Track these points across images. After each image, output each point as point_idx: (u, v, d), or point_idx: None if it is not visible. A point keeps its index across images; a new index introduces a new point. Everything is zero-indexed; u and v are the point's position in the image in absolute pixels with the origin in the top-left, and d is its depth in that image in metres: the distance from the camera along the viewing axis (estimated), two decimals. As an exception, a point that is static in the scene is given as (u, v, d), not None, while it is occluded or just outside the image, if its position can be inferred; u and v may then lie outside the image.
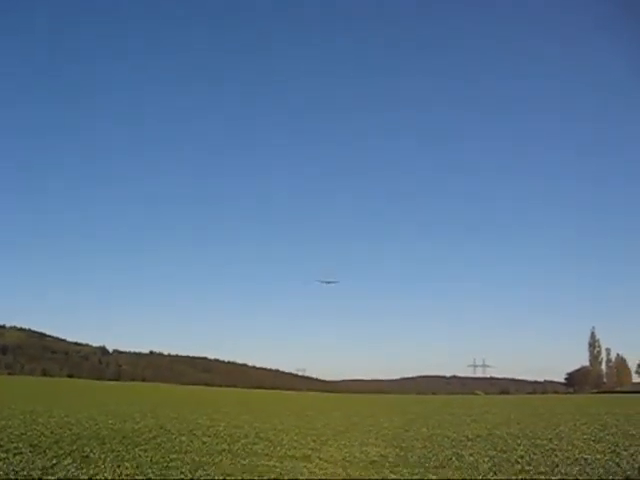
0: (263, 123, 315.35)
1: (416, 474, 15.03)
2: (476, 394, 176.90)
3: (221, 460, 16.60)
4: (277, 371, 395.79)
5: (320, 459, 17.52)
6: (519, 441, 23.16)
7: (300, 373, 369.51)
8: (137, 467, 14.63)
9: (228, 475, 14.01)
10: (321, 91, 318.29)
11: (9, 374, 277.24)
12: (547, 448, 20.83)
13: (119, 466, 14.69)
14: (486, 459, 18.00)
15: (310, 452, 19.10)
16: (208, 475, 13.92)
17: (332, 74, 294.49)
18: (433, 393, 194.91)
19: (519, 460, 17.70)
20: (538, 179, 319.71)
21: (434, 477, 14.56)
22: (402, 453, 19.35)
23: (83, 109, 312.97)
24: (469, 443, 22.57)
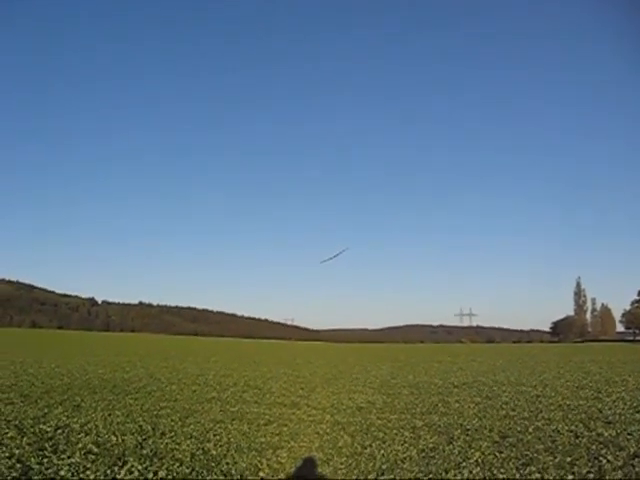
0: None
1: (403, 420, 15.26)
2: (462, 343, 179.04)
3: (211, 408, 16.79)
4: (266, 320, 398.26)
5: (308, 406, 17.74)
6: (504, 388, 23.52)
7: (289, 322, 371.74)
8: (128, 415, 14.78)
9: (218, 422, 14.18)
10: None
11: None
12: (531, 395, 21.16)
13: (110, 414, 14.82)
14: (472, 405, 18.28)
15: (298, 399, 19.34)
16: (198, 422, 14.08)
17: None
18: (420, 342, 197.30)
19: (504, 406, 17.99)
20: (526, 127, 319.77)
21: (421, 422, 14.79)
22: (389, 400, 19.62)
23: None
24: (455, 390, 22.89)
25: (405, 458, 10.65)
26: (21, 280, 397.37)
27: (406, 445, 11.88)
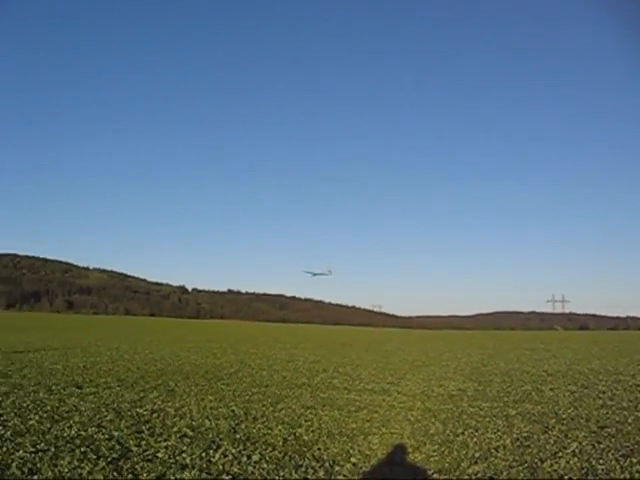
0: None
1: (495, 408, 14.97)
2: (555, 329, 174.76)
3: (301, 393, 16.90)
4: (354, 307, 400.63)
5: (399, 392, 17.64)
6: (600, 377, 22.80)
7: (376, 309, 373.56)
8: (220, 400, 15.02)
9: (308, 408, 14.25)
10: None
11: (94, 313, 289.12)
12: (630, 384, 20.44)
13: (203, 399, 15.10)
14: (567, 394, 17.79)
15: (388, 386, 19.26)
16: (289, 407, 14.19)
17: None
18: (511, 329, 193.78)
19: (600, 395, 17.42)
20: None
21: (514, 411, 14.48)
22: (480, 387, 19.31)
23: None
24: (549, 378, 22.34)
25: (498, 447, 10.43)
26: (115, 269, 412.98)
27: (499, 433, 11.64)
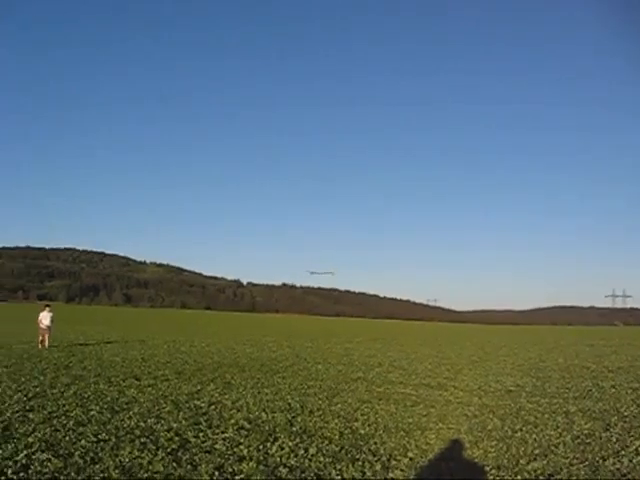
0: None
1: (555, 404, 14.72)
2: (615, 325, 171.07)
3: (357, 387, 16.88)
4: (408, 302, 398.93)
5: (455, 388, 17.49)
6: (665, 373, 22.25)
7: (431, 303, 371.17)
8: (276, 393, 15.10)
9: (364, 402, 14.22)
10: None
11: (151, 307, 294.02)
12: (696, 381, 19.89)
13: (259, 392, 15.21)
14: (629, 391, 17.41)
15: (445, 381, 19.11)
16: (345, 401, 14.18)
17: None
18: (569, 324, 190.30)
19: (664, 393, 16.99)
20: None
21: (574, 407, 14.20)
22: (539, 383, 19.02)
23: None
24: (610, 374, 21.90)
25: (559, 444, 10.23)
26: (171, 263, 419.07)
27: (559, 430, 11.43)
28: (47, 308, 29.27)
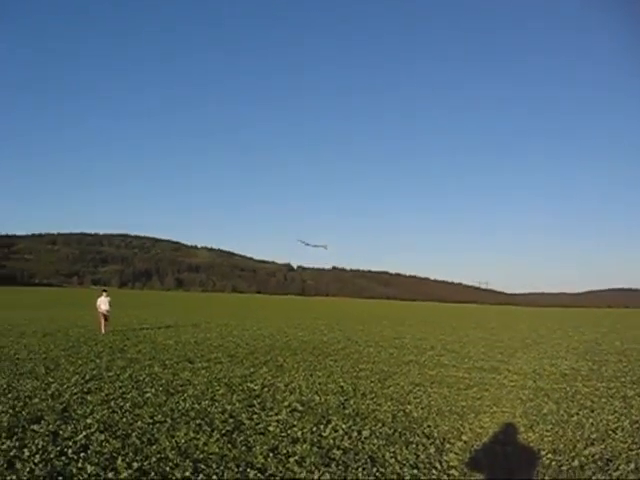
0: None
1: (612, 388, 14.45)
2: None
3: (409, 370, 16.81)
4: (459, 284, 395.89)
5: (509, 371, 17.29)
6: None
7: (482, 286, 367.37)
8: (329, 376, 15.13)
9: (417, 385, 14.16)
10: None
11: (202, 291, 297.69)
12: None
13: (311, 375, 15.25)
14: (689, 375, 17.00)
15: (498, 364, 18.91)
16: (397, 384, 14.13)
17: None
18: (625, 307, 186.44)
19: None
20: None
21: (632, 392, 13.92)
22: (595, 367, 18.70)
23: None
24: (671, 358, 21.41)
25: (616, 428, 10.03)
26: (222, 248, 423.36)
27: (617, 415, 11.21)
28: (104, 293, 29.28)
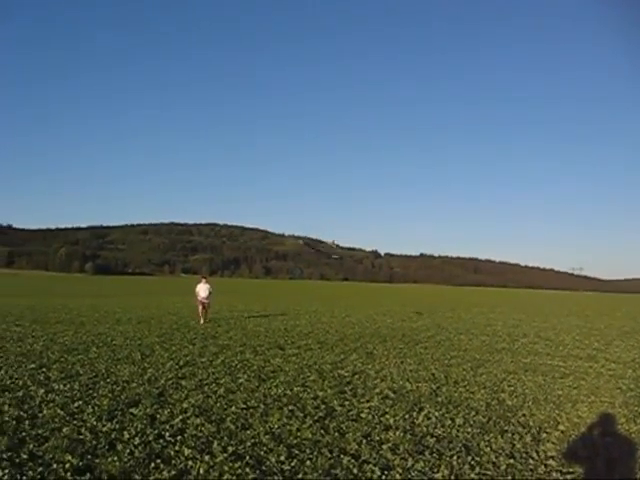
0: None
1: None
2: None
3: (502, 358, 16.51)
4: (551, 270, 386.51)
5: (607, 359, 16.76)
6: None
7: (576, 272, 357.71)
8: (419, 363, 15.00)
9: (510, 373, 13.88)
10: None
11: (290, 278, 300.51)
12: None
13: (402, 362, 15.15)
14: None
15: (595, 352, 18.36)
16: (490, 372, 13.90)
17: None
18: None
19: None
20: None
21: None
22: (702, 356, 17.91)
23: None
24: None
25: None
26: (309, 235, 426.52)
27: None
28: (203, 280, 27.45)
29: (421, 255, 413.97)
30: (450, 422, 8.87)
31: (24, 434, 7.50)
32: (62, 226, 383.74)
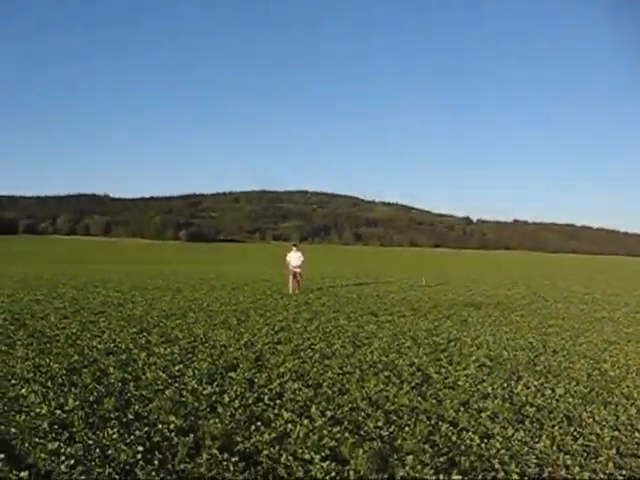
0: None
1: None
2: None
3: (602, 327, 16.03)
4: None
5: None
6: None
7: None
8: (516, 332, 14.72)
9: (611, 343, 13.47)
10: None
11: (380, 245, 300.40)
12: None
13: (498, 330, 14.90)
14: None
15: None
16: (590, 342, 13.52)
17: None
18: None
19: None
20: None
21: None
22: None
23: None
24: None
25: None
26: (400, 202, 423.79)
27: None
28: (294, 248, 26.06)
29: (515, 221, 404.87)
30: (550, 392, 8.67)
31: (129, 395, 7.76)
32: (156, 195, 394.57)
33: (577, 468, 5.78)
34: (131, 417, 6.82)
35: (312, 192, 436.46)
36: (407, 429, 6.71)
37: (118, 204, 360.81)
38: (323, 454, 5.85)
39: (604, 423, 7.29)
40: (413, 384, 8.77)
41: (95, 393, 7.73)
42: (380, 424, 6.85)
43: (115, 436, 6.17)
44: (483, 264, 77.10)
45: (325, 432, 6.49)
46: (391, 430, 6.68)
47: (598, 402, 8.23)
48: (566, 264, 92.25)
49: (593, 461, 6.00)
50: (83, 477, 5.17)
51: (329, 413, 7.19)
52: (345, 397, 7.98)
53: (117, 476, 5.22)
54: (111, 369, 9.12)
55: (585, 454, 6.19)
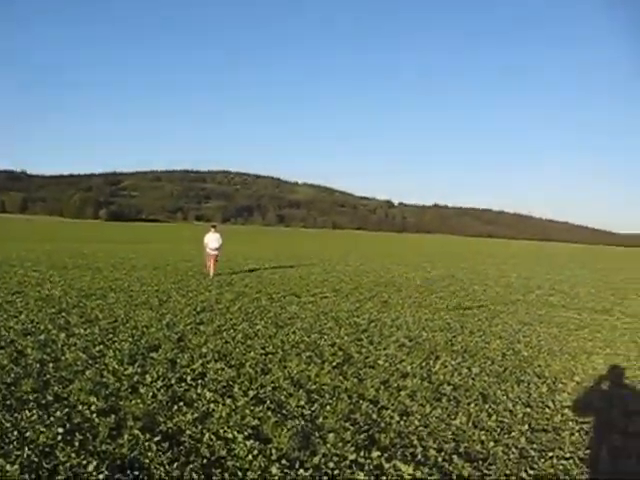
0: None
1: None
2: None
3: (516, 310, 16.58)
4: (566, 223, 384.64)
5: (622, 313, 16.82)
6: None
7: (590, 225, 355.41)
8: (434, 313, 15.09)
9: (525, 324, 13.96)
10: None
11: (303, 227, 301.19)
12: None
13: (417, 311, 15.25)
14: None
15: (610, 306, 18.42)
16: (505, 323, 13.98)
17: None
18: None
19: None
20: None
21: None
22: None
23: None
24: None
25: None
26: (322, 184, 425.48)
27: None
28: (212, 229, 24.40)
29: (435, 205, 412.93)
30: (466, 371, 8.95)
31: (48, 376, 7.60)
32: (76, 172, 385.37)
33: (492, 443, 6.02)
34: (50, 399, 6.69)
35: (235, 172, 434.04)
36: (328, 408, 6.83)
37: (35, 180, 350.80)
38: (246, 433, 5.91)
39: (517, 400, 7.59)
40: (334, 364, 8.90)
41: (12, 375, 7.53)
42: (302, 403, 6.95)
43: (34, 418, 6.05)
44: (404, 247, 78.29)
45: (248, 411, 6.55)
46: (313, 409, 6.78)
47: (512, 380, 8.55)
48: (483, 248, 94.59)
49: (507, 436, 6.26)
50: (1, 460, 5.07)
51: (251, 393, 7.24)
52: (267, 377, 8.04)
53: (36, 458, 5.13)
54: (29, 350, 8.90)
55: (499, 430, 6.44)
